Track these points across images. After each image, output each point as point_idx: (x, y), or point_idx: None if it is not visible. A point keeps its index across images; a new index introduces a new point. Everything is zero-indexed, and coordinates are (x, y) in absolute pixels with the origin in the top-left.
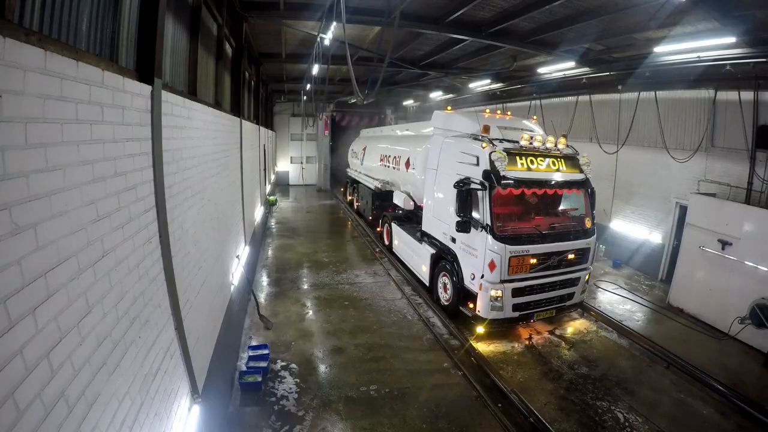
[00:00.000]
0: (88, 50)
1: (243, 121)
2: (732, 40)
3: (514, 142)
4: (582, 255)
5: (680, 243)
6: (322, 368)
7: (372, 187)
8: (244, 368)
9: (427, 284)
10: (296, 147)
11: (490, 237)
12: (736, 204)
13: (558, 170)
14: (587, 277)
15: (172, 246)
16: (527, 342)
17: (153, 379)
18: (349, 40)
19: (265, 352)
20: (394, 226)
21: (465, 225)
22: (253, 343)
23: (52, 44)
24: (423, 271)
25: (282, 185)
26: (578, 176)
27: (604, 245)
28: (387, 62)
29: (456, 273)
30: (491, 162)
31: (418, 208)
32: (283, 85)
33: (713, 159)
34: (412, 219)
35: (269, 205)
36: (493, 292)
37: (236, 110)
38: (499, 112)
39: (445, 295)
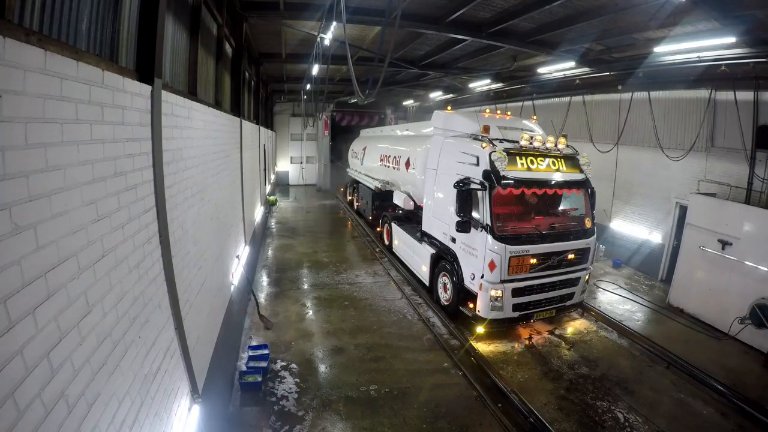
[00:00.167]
0: (88, 50)
1: (243, 121)
2: (732, 40)
3: (514, 142)
4: (582, 255)
5: (680, 243)
6: (322, 368)
7: (372, 187)
8: (244, 368)
9: (427, 284)
10: (296, 147)
11: (490, 237)
12: (736, 204)
13: (558, 170)
14: (587, 277)
15: (172, 246)
16: (527, 342)
17: (153, 379)
18: (349, 40)
19: (265, 352)
20: (394, 226)
21: (465, 225)
22: (253, 343)
23: (52, 44)
24: (423, 271)
25: (282, 185)
26: (578, 176)
27: (604, 245)
28: (387, 62)
29: (456, 273)
30: (491, 162)
31: (418, 208)
32: (283, 85)
33: (713, 159)
34: (412, 219)
35: (269, 205)
36: (493, 292)
37: (236, 110)
38: (499, 112)
39: (445, 295)
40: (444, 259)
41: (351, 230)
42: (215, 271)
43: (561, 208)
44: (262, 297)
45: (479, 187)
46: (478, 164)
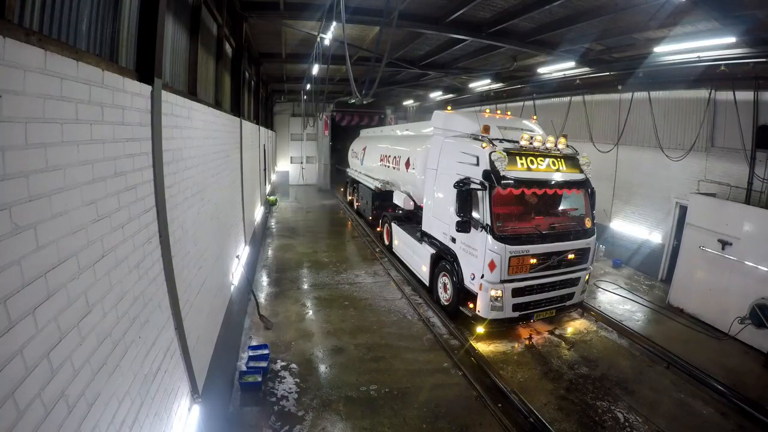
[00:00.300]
0: (88, 50)
1: (243, 121)
2: (732, 40)
3: (514, 142)
4: (582, 255)
5: (680, 243)
6: (322, 368)
7: (372, 187)
8: (244, 368)
9: (427, 284)
10: (296, 147)
11: (490, 237)
12: (736, 204)
13: (558, 170)
14: (587, 277)
15: (172, 246)
16: (527, 342)
17: (153, 379)
18: (348, 40)
19: (265, 352)
20: (394, 226)
21: (465, 225)
22: (253, 343)
23: (52, 44)
24: (423, 271)
25: (282, 185)
26: (578, 176)
27: (604, 245)
28: (385, 62)
29: (456, 273)
30: (491, 162)
31: (418, 208)
32: (283, 85)
33: (713, 159)
34: (412, 219)
35: (269, 205)
36: (493, 292)
37: (236, 110)
38: (499, 112)
39: (445, 295)
40: (444, 259)
41: (351, 230)
42: (215, 271)
43: (561, 208)
44: (262, 297)
45: (479, 187)
46: (478, 164)
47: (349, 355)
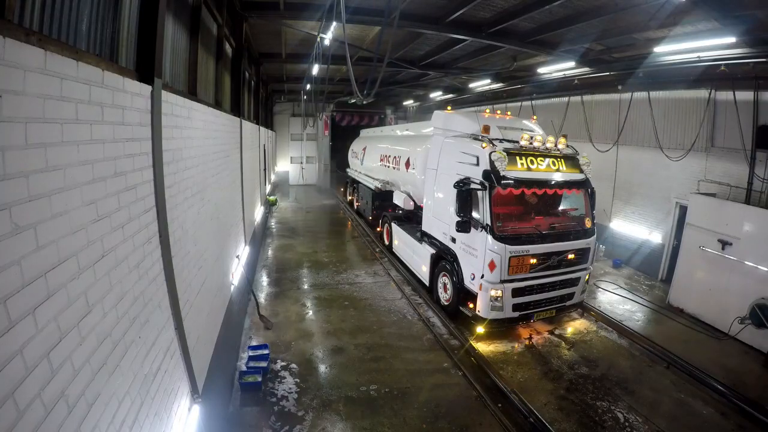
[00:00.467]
0: (88, 50)
1: (243, 121)
2: (732, 40)
3: (514, 142)
4: (582, 255)
5: (680, 243)
6: (322, 368)
7: (372, 187)
8: (244, 368)
9: (427, 284)
10: (296, 147)
11: (490, 237)
12: (736, 204)
13: (558, 170)
14: (587, 277)
15: (172, 246)
16: (527, 342)
17: (153, 379)
18: (349, 41)
19: (265, 352)
20: (394, 226)
21: (465, 225)
22: (253, 343)
23: (52, 44)
24: (423, 271)
25: (282, 185)
26: (578, 176)
27: (604, 245)
28: (386, 62)
29: (456, 273)
30: (491, 162)
31: (418, 208)
32: (283, 85)
33: (713, 159)
34: (412, 219)
35: (269, 205)
36: (493, 292)
37: (236, 110)
38: (499, 112)
39: (445, 295)
40: (444, 259)
41: (351, 230)
42: (215, 271)
43: (561, 208)
44: (262, 297)
45: (479, 187)
46: (478, 164)
47: (349, 355)
